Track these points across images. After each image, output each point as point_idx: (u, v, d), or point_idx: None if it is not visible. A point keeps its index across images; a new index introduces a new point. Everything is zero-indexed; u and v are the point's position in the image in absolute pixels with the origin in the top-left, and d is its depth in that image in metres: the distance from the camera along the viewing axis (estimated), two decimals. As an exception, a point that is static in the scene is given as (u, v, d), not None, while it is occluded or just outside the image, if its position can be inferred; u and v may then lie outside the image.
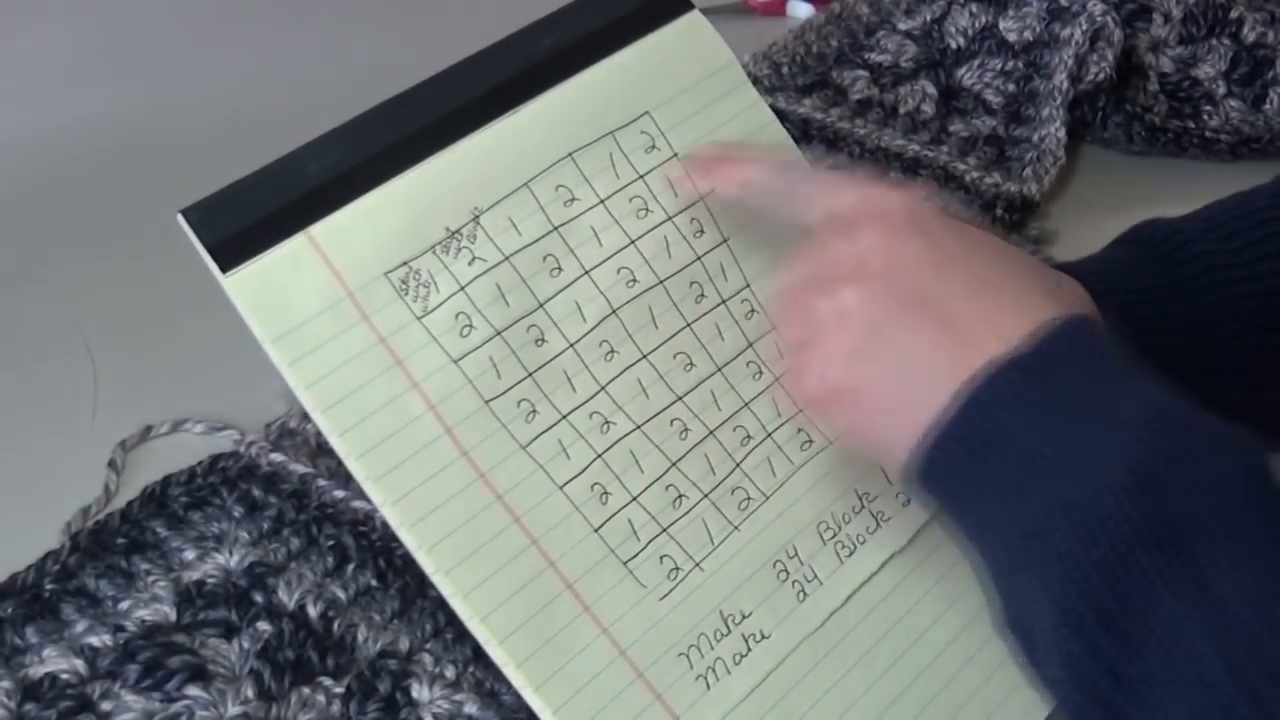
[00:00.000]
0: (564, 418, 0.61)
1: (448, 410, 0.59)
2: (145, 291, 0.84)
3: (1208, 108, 0.96)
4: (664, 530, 0.61)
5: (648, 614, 0.59)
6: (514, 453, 0.59)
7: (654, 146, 0.66)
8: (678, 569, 0.60)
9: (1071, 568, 0.49)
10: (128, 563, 0.67)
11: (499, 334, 0.61)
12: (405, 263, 0.60)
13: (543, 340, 0.61)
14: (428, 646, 0.64)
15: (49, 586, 0.66)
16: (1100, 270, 0.72)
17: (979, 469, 0.52)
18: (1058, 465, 0.50)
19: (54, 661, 0.63)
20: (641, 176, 0.65)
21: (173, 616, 0.65)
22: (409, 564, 0.66)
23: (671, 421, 0.62)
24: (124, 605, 0.65)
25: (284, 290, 0.57)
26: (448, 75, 0.64)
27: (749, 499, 0.62)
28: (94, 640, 0.64)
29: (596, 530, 0.59)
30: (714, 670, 0.59)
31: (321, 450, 0.72)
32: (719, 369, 0.64)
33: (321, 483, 0.70)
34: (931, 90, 0.98)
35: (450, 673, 0.63)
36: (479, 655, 0.63)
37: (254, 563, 0.67)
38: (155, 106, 1.01)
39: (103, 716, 0.61)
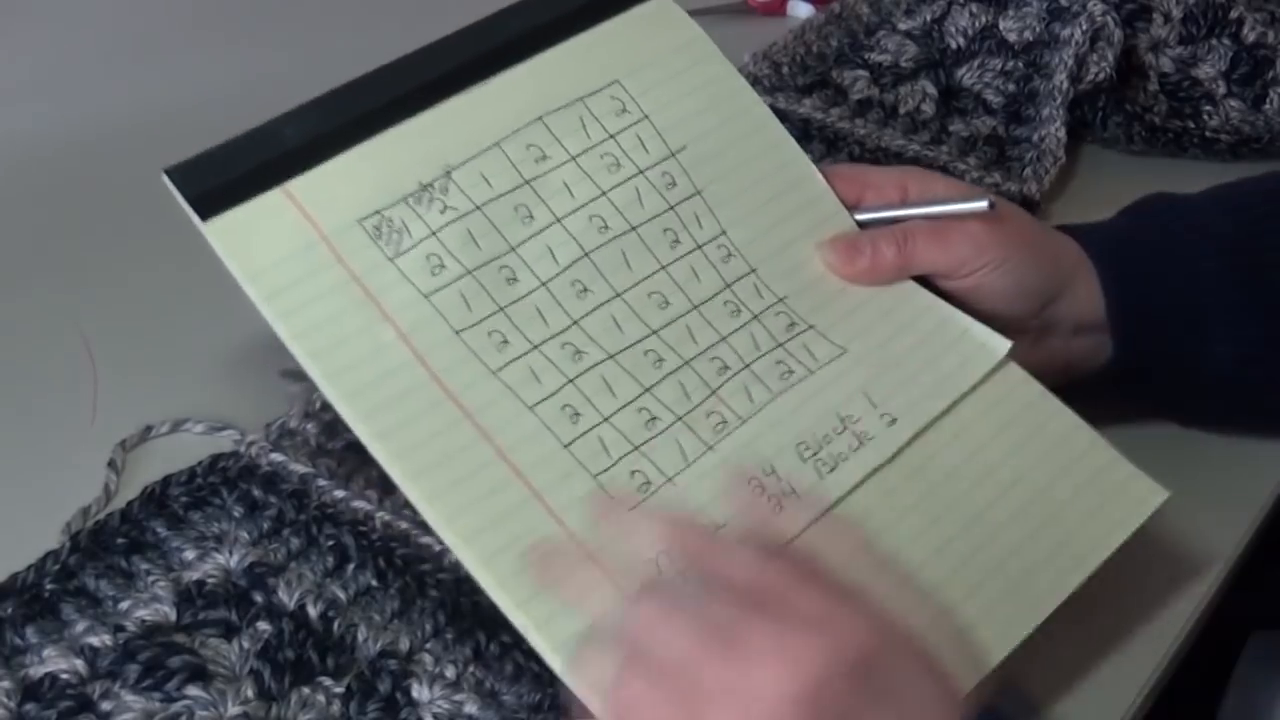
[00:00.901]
0: (535, 347, 0.62)
1: (419, 339, 0.60)
2: (145, 291, 0.84)
3: (1208, 108, 0.96)
4: (636, 448, 0.61)
5: (617, 524, 0.59)
6: (485, 377, 0.61)
7: (624, 110, 0.68)
8: (649, 483, 0.60)
9: None
10: (128, 563, 0.67)
11: (470, 273, 0.62)
12: (378, 211, 0.62)
13: (514, 279, 0.63)
14: (428, 646, 0.64)
15: (49, 586, 0.66)
16: (1099, 231, 0.73)
17: None
18: None
19: (54, 661, 0.63)
20: (612, 136, 0.67)
21: (173, 616, 0.65)
22: (409, 564, 0.66)
23: (646, 353, 0.63)
24: (124, 605, 0.65)
25: (261, 234, 0.60)
26: (421, 53, 0.67)
27: (724, 422, 0.63)
28: (94, 640, 0.63)
29: (566, 446, 0.60)
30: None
31: (321, 450, 0.72)
32: (695, 307, 0.65)
33: (321, 483, 0.70)
34: (931, 90, 0.98)
35: (450, 673, 0.63)
36: (479, 655, 0.63)
37: (254, 563, 0.67)
38: (155, 106, 1.01)
39: (103, 716, 0.61)
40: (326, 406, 0.73)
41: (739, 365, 0.64)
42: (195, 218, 0.60)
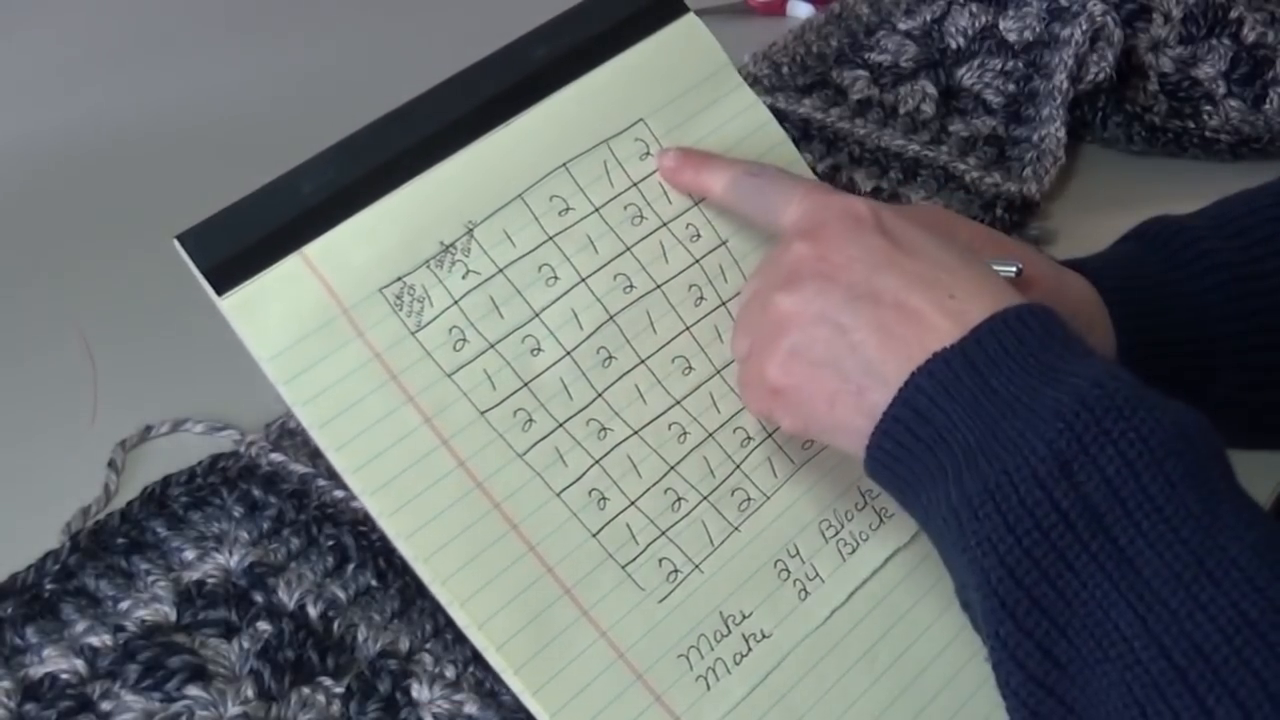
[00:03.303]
0: (560, 425, 0.61)
1: (444, 422, 0.59)
2: (145, 291, 0.83)
3: (1208, 108, 0.96)
4: (663, 533, 0.61)
5: (647, 616, 0.59)
6: (511, 461, 0.59)
7: (648, 153, 0.66)
8: (677, 571, 0.60)
9: (1002, 553, 0.50)
10: (128, 563, 0.67)
11: (492, 346, 0.61)
12: (399, 278, 0.60)
13: (539, 350, 0.61)
14: (428, 646, 0.64)
15: (49, 586, 0.66)
16: (1107, 267, 0.72)
17: (920, 457, 0.54)
18: (989, 453, 0.51)
19: (54, 661, 0.63)
20: (636, 184, 0.65)
21: (173, 616, 0.65)
22: (409, 564, 0.66)
23: (669, 425, 0.62)
24: (124, 605, 0.65)
25: (279, 309, 0.58)
26: (439, 91, 0.64)
27: (749, 500, 0.62)
28: (94, 640, 0.63)
29: (594, 535, 0.59)
30: (714, 670, 0.59)
31: (321, 450, 0.72)
32: (718, 371, 0.64)
33: (321, 483, 0.70)
34: (931, 90, 0.98)
35: (450, 673, 0.63)
36: (479, 655, 0.62)
37: (254, 563, 0.67)
38: (155, 107, 1.01)
39: (103, 716, 0.61)
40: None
41: (761, 435, 0.64)
42: (211, 291, 0.57)
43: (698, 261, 0.66)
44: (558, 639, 0.57)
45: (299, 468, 0.71)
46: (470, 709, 0.62)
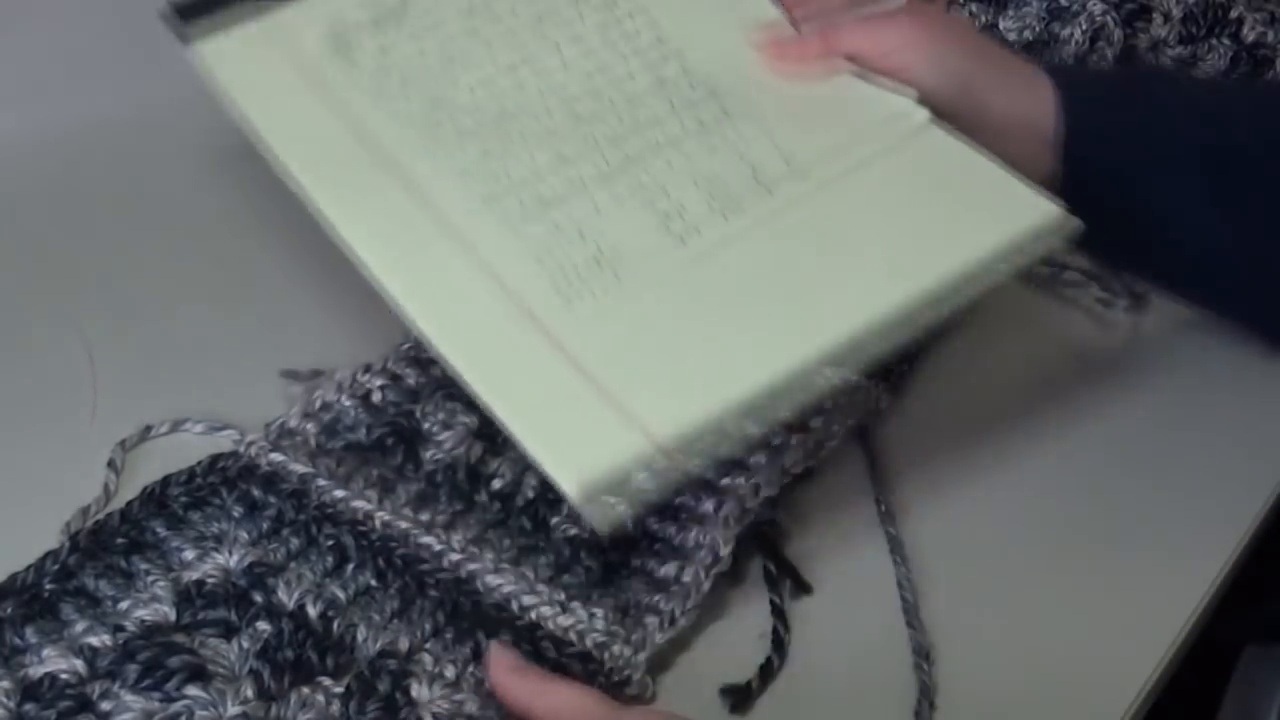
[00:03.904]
0: (474, 130, 0.71)
1: (382, 139, 0.69)
2: (145, 291, 0.84)
3: (1208, 108, 0.96)
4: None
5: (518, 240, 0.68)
6: (425, 152, 0.70)
7: None
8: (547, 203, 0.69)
9: None
10: (127, 563, 0.67)
11: (416, 72, 0.72)
12: (335, 30, 0.73)
13: (456, 83, 0.72)
14: (428, 646, 0.64)
15: (48, 586, 0.66)
16: (1065, 64, 0.73)
17: None
18: None
19: (53, 661, 0.63)
20: None
21: (172, 616, 0.64)
22: (408, 564, 0.67)
23: (577, 124, 0.72)
24: (123, 605, 0.65)
25: (238, 59, 0.73)
26: None
27: (645, 179, 0.70)
28: (93, 640, 0.63)
29: (492, 200, 0.68)
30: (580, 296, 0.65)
31: (321, 450, 0.72)
32: (627, 96, 0.73)
33: (321, 483, 0.70)
34: (931, 90, 0.98)
35: (450, 673, 0.63)
36: (479, 655, 0.63)
37: (254, 563, 0.67)
38: (154, 107, 1.01)
39: (102, 716, 0.61)
40: (326, 406, 0.73)
41: (667, 141, 0.71)
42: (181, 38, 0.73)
43: (612, 18, 0.76)
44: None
45: (298, 468, 0.71)
46: (470, 709, 0.62)
